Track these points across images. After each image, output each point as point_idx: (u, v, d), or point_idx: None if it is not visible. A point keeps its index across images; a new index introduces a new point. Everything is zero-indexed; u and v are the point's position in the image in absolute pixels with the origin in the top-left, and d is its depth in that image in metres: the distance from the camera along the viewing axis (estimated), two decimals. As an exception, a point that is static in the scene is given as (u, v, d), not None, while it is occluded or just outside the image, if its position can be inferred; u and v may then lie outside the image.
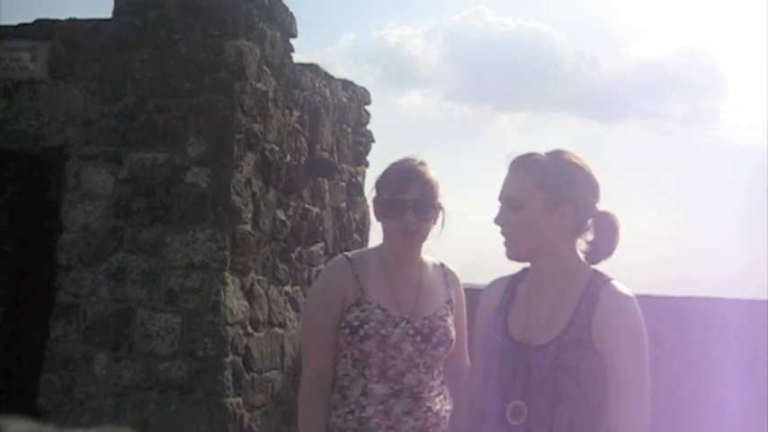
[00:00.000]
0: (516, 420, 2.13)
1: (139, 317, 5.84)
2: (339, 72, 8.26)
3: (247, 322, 6.10)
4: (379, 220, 2.61)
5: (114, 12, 6.19)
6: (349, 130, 8.18)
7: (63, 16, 6.43)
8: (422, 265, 2.61)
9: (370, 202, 2.63)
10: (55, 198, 6.64)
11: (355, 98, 8.31)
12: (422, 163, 2.57)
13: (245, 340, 6.04)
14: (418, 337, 2.46)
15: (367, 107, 8.64)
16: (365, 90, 8.59)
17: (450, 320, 2.54)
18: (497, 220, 2.24)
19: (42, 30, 6.34)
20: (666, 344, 6.48)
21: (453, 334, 2.53)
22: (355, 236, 8.14)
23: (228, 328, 5.82)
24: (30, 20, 6.43)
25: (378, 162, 8.60)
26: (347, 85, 8.18)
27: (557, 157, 2.21)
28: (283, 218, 6.74)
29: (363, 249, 2.74)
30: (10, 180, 7.14)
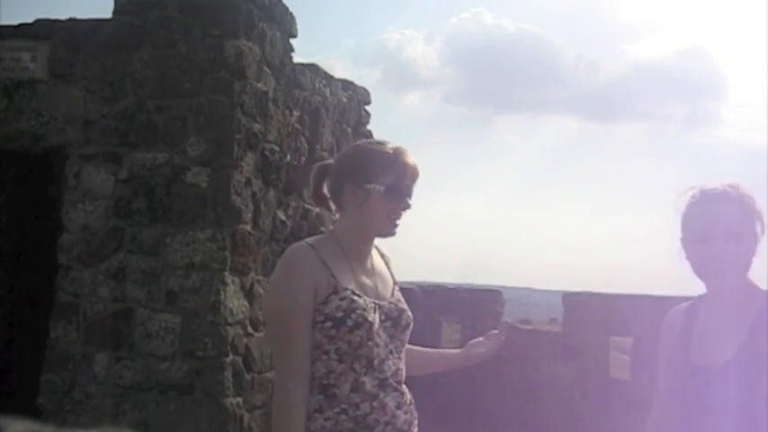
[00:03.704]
0: None
1: (139, 317, 5.84)
2: (340, 75, 8.27)
3: (247, 322, 6.09)
4: (359, 198, 2.41)
5: (114, 12, 6.19)
6: (349, 130, 8.18)
7: (63, 16, 6.45)
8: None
9: (348, 179, 2.40)
10: (55, 198, 6.64)
11: (355, 98, 8.30)
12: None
13: (245, 340, 6.03)
14: (388, 323, 2.39)
15: (367, 107, 8.64)
16: (365, 90, 8.58)
17: (404, 301, 2.50)
18: (717, 255, 2.25)
19: (42, 30, 6.34)
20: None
21: (412, 316, 2.49)
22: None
23: (228, 328, 5.82)
24: (30, 20, 6.45)
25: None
26: (347, 85, 8.18)
27: (741, 190, 2.33)
28: (283, 218, 6.74)
29: (316, 237, 2.52)
30: (10, 180, 7.14)
